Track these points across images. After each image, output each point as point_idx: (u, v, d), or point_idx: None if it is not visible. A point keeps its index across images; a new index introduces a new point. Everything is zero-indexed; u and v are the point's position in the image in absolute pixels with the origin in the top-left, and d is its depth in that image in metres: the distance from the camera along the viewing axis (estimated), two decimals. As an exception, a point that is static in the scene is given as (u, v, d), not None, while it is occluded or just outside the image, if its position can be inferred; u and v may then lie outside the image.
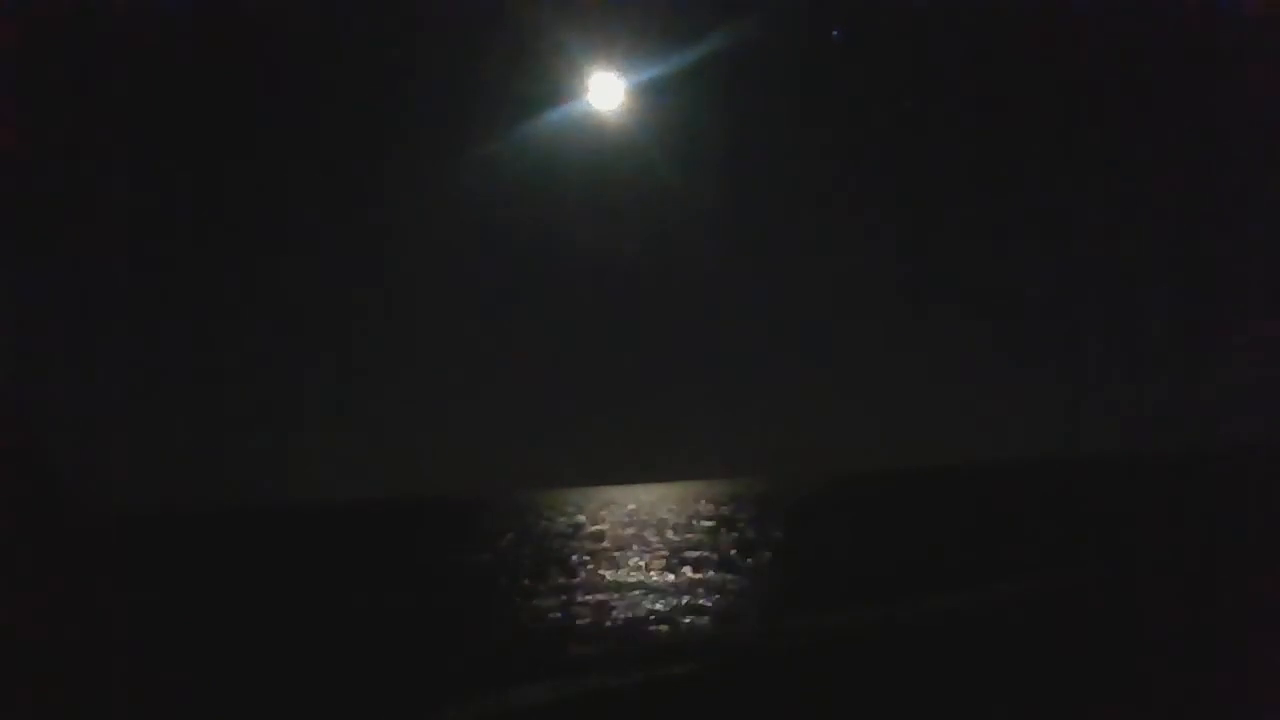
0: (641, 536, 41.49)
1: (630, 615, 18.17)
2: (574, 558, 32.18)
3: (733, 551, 30.52)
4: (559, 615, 18.70)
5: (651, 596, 20.56)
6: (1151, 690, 8.25)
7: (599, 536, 43.88)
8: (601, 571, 26.62)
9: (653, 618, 17.69)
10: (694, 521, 51.78)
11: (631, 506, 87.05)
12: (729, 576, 23.27)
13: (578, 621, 17.80)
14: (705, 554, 30.05)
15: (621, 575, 25.30)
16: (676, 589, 21.56)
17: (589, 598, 21.01)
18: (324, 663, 15.19)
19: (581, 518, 67.67)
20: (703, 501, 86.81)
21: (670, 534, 41.89)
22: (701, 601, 19.37)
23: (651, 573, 25.44)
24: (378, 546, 52.59)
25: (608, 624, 17.38)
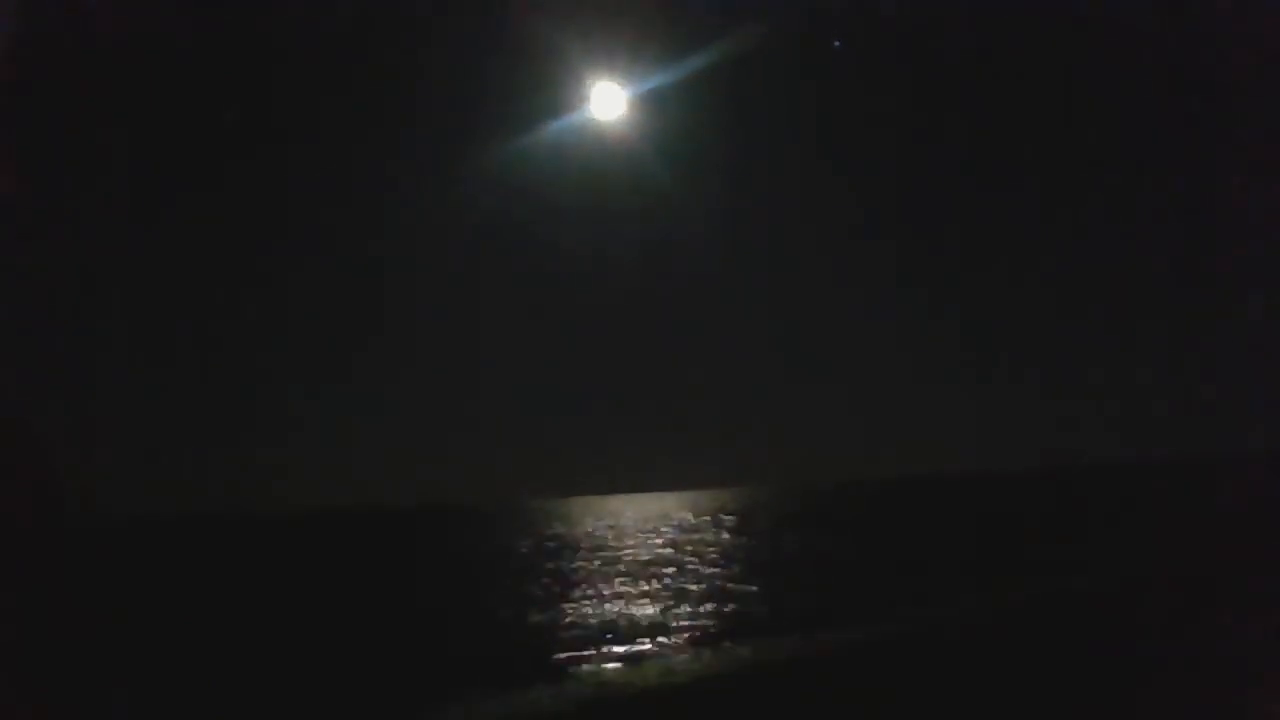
0: (638, 546, 41.40)
1: (629, 622, 18.11)
2: (571, 566, 32.10)
3: (731, 562, 30.45)
4: (558, 620, 18.64)
5: (650, 604, 20.50)
6: (1152, 695, 8.23)
7: (597, 546, 43.78)
8: (599, 582, 26.55)
9: (651, 625, 17.63)
10: (690, 533, 51.69)
11: (629, 516, 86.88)
12: (729, 584, 23.21)
13: (577, 627, 17.74)
14: (703, 562, 29.98)
15: (621, 585, 25.23)
16: (676, 597, 21.50)
17: (587, 605, 20.95)
18: (324, 663, 15.14)
19: (581, 527, 67.54)
20: (702, 511, 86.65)
21: (667, 542, 41.81)
22: (702, 609, 19.32)
23: (650, 582, 25.37)
24: (379, 552, 52.41)
25: (607, 630, 17.32)
